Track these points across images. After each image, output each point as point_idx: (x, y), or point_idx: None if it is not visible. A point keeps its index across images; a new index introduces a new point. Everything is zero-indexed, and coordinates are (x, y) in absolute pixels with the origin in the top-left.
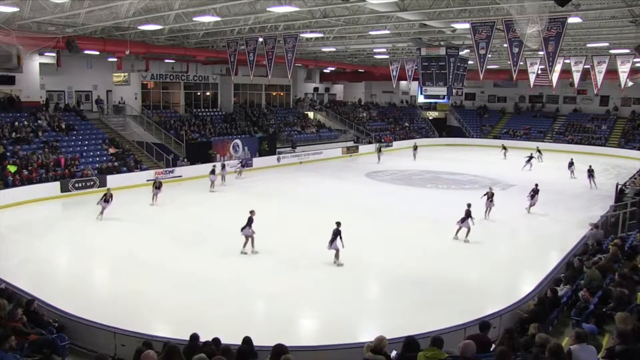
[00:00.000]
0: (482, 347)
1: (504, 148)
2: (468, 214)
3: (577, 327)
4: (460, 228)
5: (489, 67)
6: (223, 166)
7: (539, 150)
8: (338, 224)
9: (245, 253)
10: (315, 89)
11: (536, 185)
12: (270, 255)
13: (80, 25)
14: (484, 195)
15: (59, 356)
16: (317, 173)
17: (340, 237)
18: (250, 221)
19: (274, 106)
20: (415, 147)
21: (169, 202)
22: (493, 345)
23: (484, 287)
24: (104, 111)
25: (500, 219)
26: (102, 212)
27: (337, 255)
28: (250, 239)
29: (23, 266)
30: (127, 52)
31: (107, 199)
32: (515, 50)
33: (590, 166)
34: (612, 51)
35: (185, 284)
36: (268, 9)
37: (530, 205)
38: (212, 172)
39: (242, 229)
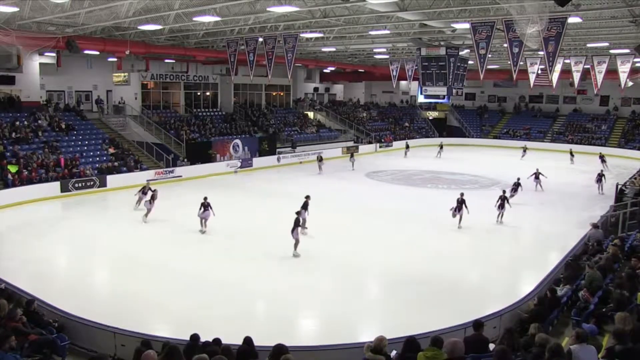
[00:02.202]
0: (480, 347)
1: (441, 147)
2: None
3: (577, 327)
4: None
5: (489, 67)
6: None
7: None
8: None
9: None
10: (315, 89)
11: (602, 170)
12: (270, 255)
13: (80, 25)
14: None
15: (59, 356)
16: (318, 173)
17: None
18: (297, 222)
19: (274, 106)
20: (351, 155)
21: (168, 202)
22: (491, 345)
23: (484, 287)
24: (104, 111)
25: (500, 219)
26: (138, 203)
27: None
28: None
29: (23, 266)
30: (127, 52)
31: (145, 191)
32: (515, 50)
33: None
34: (612, 51)
35: (186, 284)
36: (268, 9)
37: (601, 188)
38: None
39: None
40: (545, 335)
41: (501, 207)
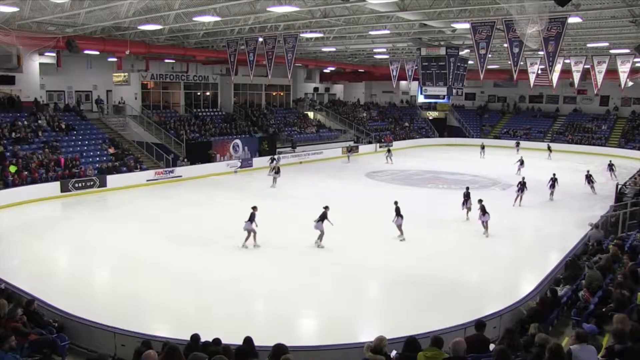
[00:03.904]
0: (481, 346)
1: (388, 151)
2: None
3: (577, 327)
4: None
5: (489, 67)
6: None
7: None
8: (326, 207)
9: (246, 247)
10: (315, 89)
11: (610, 160)
12: (270, 255)
13: (80, 25)
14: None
15: (59, 356)
16: (317, 173)
17: (328, 220)
18: (252, 216)
19: (274, 106)
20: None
21: (168, 202)
22: (492, 345)
23: (484, 287)
24: (104, 111)
25: (500, 219)
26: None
27: (320, 237)
28: (252, 234)
29: (23, 266)
30: (127, 52)
31: (277, 170)
32: (515, 50)
33: (588, 171)
34: (612, 51)
35: (186, 284)
36: (268, 9)
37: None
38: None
39: (245, 223)
40: (545, 335)
41: (552, 187)
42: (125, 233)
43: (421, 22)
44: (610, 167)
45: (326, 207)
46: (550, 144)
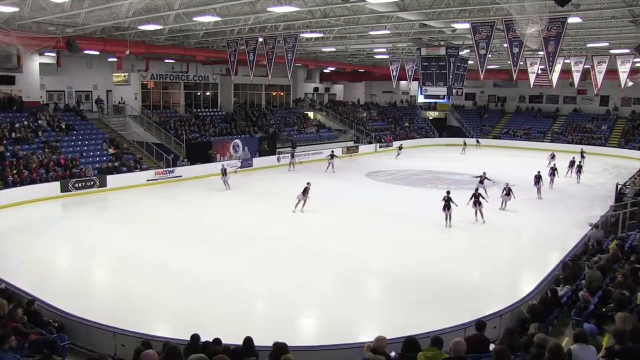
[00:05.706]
0: (481, 346)
1: (331, 157)
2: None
3: (577, 327)
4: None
5: (489, 67)
6: (224, 171)
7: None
8: (448, 192)
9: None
10: (315, 89)
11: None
12: (270, 255)
13: (80, 25)
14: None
15: (59, 356)
16: (317, 173)
17: (452, 201)
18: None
19: (274, 106)
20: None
21: (169, 202)
22: (492, 345)
23: (484, 287)
24: (104, 111)
25: (500, 218)
26: (302, 204)
27: (449, 218)
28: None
29: (23, 266)
30: (127, 52)
31: (305, 192)
32: (515, 50)
33: (539, 171)
34: (612, 51)
35: (186, 284)
36: (268, 9)
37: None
38: (224, 172)
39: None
40: (543, 336)
41: (506, 194)
42: (125, 233)
43: (421, 22)
44: (581, 155)
45: (448, 192)
46: (466, 139)
